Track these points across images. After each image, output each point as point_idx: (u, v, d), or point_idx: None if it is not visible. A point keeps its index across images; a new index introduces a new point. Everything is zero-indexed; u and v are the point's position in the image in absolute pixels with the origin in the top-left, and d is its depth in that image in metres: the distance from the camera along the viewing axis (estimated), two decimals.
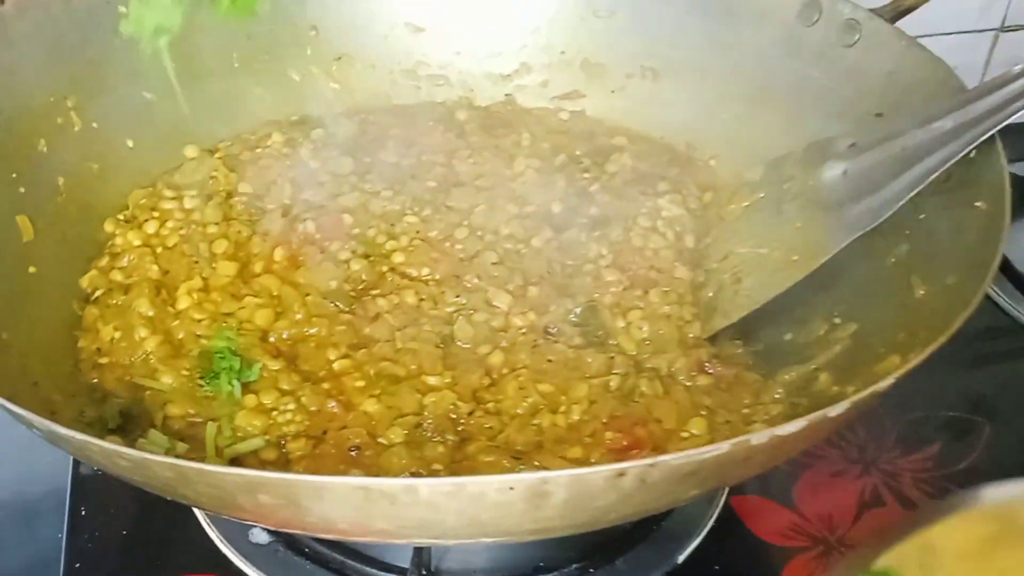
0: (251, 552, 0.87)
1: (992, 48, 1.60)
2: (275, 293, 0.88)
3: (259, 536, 0.87)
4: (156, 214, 0.96)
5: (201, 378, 0.79)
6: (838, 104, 1.02)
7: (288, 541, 0.88)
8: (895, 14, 1.00)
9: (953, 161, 0.80)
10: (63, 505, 0.94)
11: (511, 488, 0.50)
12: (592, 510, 0.55)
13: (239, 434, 0.75)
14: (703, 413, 0.81)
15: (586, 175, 1.08)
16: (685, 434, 0.78)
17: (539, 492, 0.51)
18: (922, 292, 0.79)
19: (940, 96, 0.91)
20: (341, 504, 0.52)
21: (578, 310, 0.90)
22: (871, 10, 1.00)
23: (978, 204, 0.80)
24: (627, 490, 0.53)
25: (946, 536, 0.78)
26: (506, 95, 1.23)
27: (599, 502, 0.54)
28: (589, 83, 1.22)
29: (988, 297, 0.90)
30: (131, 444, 0.74)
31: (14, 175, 0.88)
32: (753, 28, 1.10)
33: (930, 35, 1.45)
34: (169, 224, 0.95)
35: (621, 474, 0.51)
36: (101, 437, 0.71)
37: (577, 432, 0.77)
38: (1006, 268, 1.15)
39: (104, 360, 0.82)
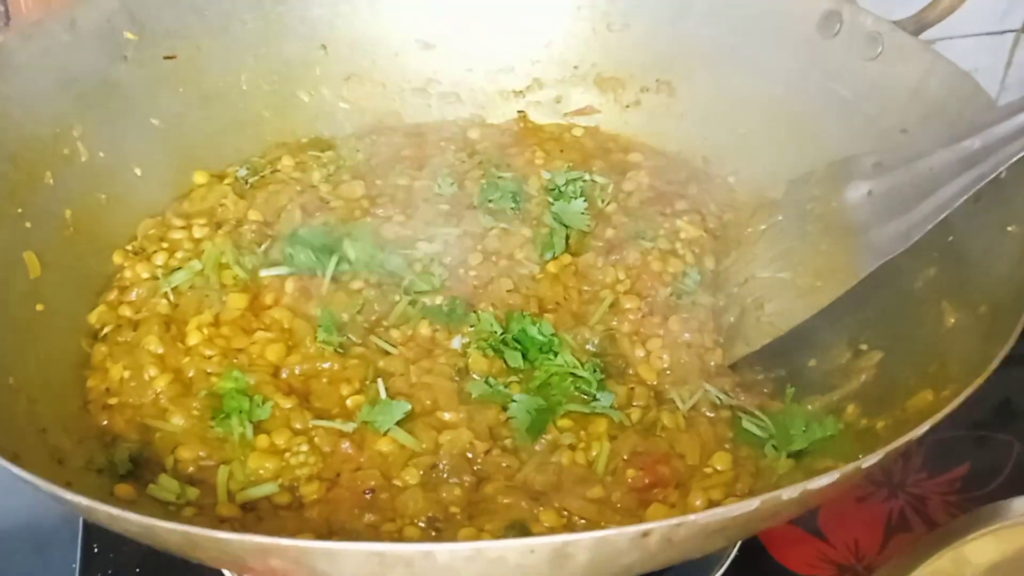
0: None
1: (1013, 49, 1.57)
2: (286, 326, 0.86)
3: None
4: (165, 244, 0.95)
5: (212, 419, 0.77)
6: (861, 120, 1.00)
7: None
8: (919, 27, 0.97)
9: (984, 182, 0.78)
10: (76, 535, 0.93)
11: (532, 551, 0.48)
12: (616, 567, 0.53)
13: (251, 477, 0.73)
14: (727, 447, 0.78)
15: (602, 194, 1.06)
16: (709, 470, 0.76)
17: (561, 554, 0.49)
18: (953, 321, 0.76)
19: (967, 112, 0.88)
20: (355, 569, 0.50)
21: (596, 340, 0.88)
22: (894, 22, 0.98)
23: (1010, 228, 0.77)
24: (652, 549, 0.51)
25: (979, 550, 0.76)
26: (519, 112, 1.21)
27: (623, 560, 0.52)
28: (603, 98, 1.20)
29: None
30: (142, 489, 0.72)
31: (20, 210, 0.86)
32: (772, 40, 1.07)
33: (951, 37, 1.43)
34: (178, 255, 0.93)
35: (646, 534, 0.49)
36: (112, 484, 0.71)
37: (597, 470, 0.75)
38: None
39: (113, 401, 0.80)
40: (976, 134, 0.80)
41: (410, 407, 0.76)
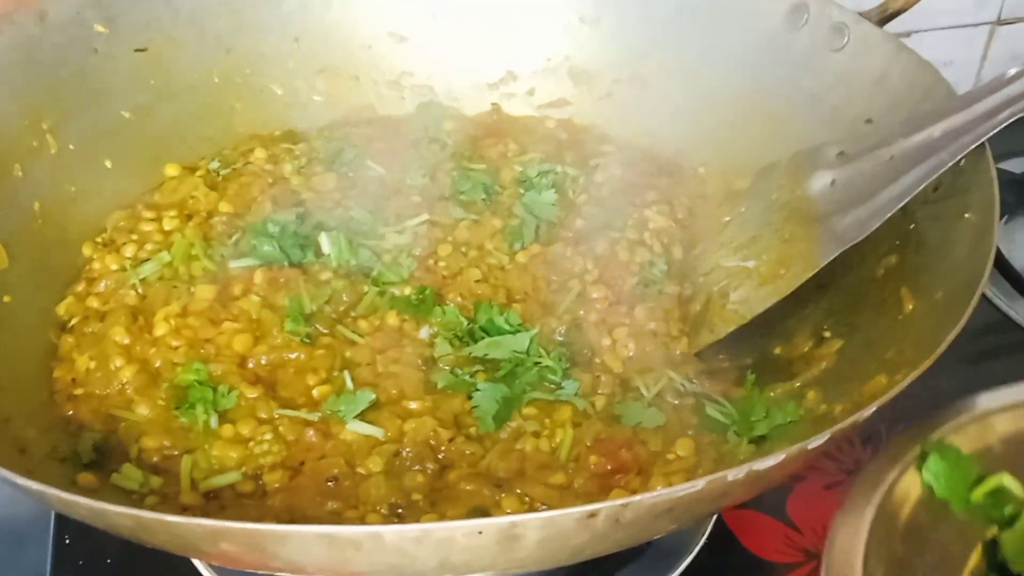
0: None
1: (988, 42, 1.58)
2: (254, 317, 0.86)
3: None
4: (135, 236, 0.95)
5: (176, 408, 0.77)
6: (827, 110, 1.01)
7: None
8: (883, 17, 0.98)
9: (942, 171, 0.79)
10: (48, 529, 0.93)
11: (480, 532, 0.49)
12: (567, 549, 0.54)
13: (215, 466, 0.74)
14: (690, 433, 0.79)
15: (574, 185, 1.06)
16: (671, 456, 0.77)
17: (510, 535, 0.50)
18: (911, 307, 0.77)
19: (929, 102, 0.89)
20: (305, 551, 0.50)
21: (563, 328, 0.88)
22: (859, 13, 0.99)
23: (968, 215, 0.78)
24: (600, 530, 0.51)
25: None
26: (492, 104, 1.21)
27: (573, 541, 0.53)
28: (576, 90, 1.20)
29: (984, 295, 0.88)
30: (105, 479, 0.72)
31: None
32: (739, 33, 1.08)
33: (926, 30, 1.44)
34: (148, 246, 0.93)
35: (593, 515, 0.50)
36: (75, 473, 0.71)
37: (560, 457, 0.76)
38: (1002, 267, 1.13)
39: (79, 391, 0.80)
40: (936, 123, 0.82)
41: (374, 397, 0.77)
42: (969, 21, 1.55)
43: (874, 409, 0.56)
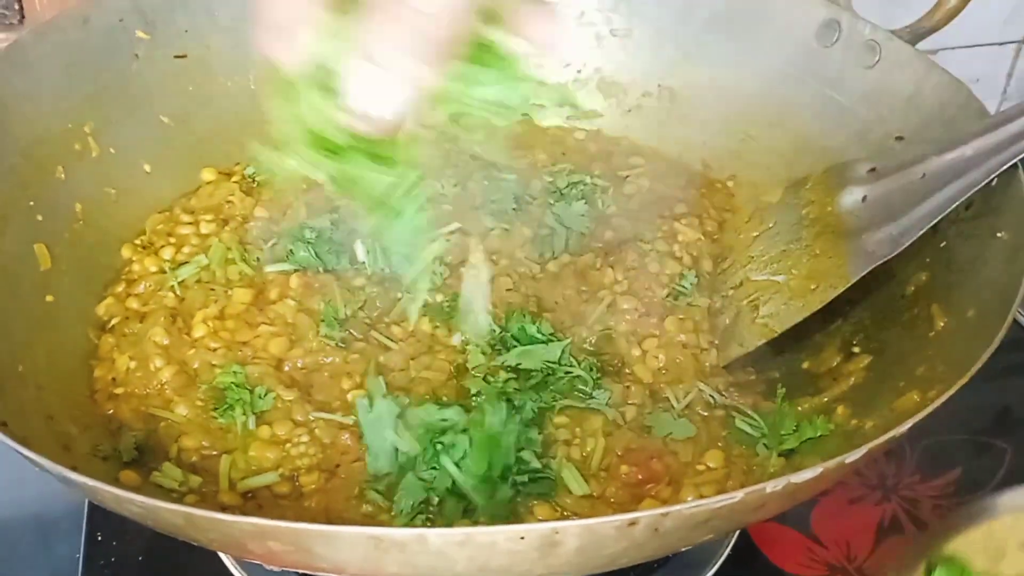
0: None
1: (1015, 60, 1.59)
2: (290, 321, 0.88)
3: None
4: (173, 239, 0.97)
5: (214, 409, 0.78)
6: (857, 126, 1.02)
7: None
8: (915, 36, 0.98)
9: (975, 190, 0.79)
10: (80, 525, 0.95)
11: (522, 538, 0.50)
12: (605, 556, 0.55)
13: (253, 467, 0.75)
14: (720, 445, 0.80)
15: (603, 197, 1.07)
16: (701, 467, 0.78)
17: (550, 541, 0.51)
18: (942, 324, 0.78)
19: (961, 120, 0.90)
20: (351, 552, 0.51)
21: (593, 339, 0.89)
22: (891, 31, 0.99)
23: (1000, 235, 0.78)
24: (639, 538, 0.52)
25: (1010, 527, 0.77)
26: (522, 114, 1.22)
27: (611, 549, 0.53)
28: (605, 102, 1.21)
29: None
30: (146, 477, 0.74)
31: (32, 203, 0.88)
32: (771, 48, 1.09)
33: (951, 48, 1.44)
34: (185, 249, 0.95)
35: (633, 523, 0.51)
36: (117, 471, 0.73)
37: (591, 466, 0.76)
38: None
39: (119, 391, 0.82)
40: (968, 142, 0.82)
41: (397, 409, 0.76)
42: (995, 40, 1.56)
43: (909, 426, 0.57)
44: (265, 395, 0.79)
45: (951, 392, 0.59)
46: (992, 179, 0.79)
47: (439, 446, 0.71)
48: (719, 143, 1.14)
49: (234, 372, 0.79)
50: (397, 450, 0.72)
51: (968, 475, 1.06)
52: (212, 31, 1.08)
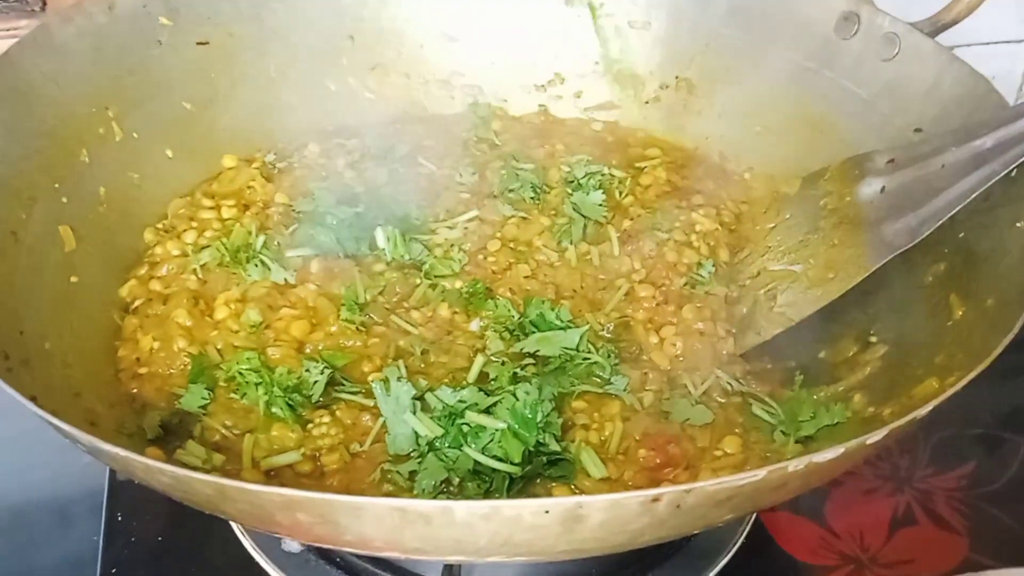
0: (283, 560, 0.88)
1: None
2: (311, 304, 0.88)
3: (291, 545, 0.88)
4: (194, 224, 0.97)
5: (234, 393, 0.79)
6: (876, 118, 1.02)
7: (320, 551, 0.89)
8: (935, 28, 0.99)
9: (993, 180, 0.79)
10: (99, 507, 0.96)
11: (547, 512, 0.50)
12: (626, 533, 0.55)
13: (275, 446, 0.76)
14: (737, 431, 0.80)
15: (620, 187, 1.08)
16: (719, 452, 0.78)
17: (574, 516, 0.51)
18: (960, 313, 0.78)
19: (980, 112, 0.90)
20: (377, 524, 0.52)
21: (611, 326, 0.90)
22: (911, 24, 1.00)
23: (1019, 224, 0.79)
24: (661, 515, 0.53)
25: None
26: (540, 105, 1.23)
27: (633, 526, 0.54)
28: (623, 94, 1.22)
29: None
30: (170, 455, 0.75)
31: (57, 185, 0.89)
32: (790, 40, 1.09)
33: (967, 44, 1.44)
34: (207, 234, 0.96)
35: (656, 499, 0.51)
36: (141, 448, 0.74)
37: (610, 449, 0.77)
38: None
39: (143, 370, 0.83)
40: (987, 134, 0.82)
41: (414, 392, 0.77)
42: (1012, 37, 1.56)
43: (930, 408, 0.57)
44: (288, 375, 0.80)
45: (971, 376, 0.59)
46: (1011, 169, 0.79)
47: (463, 429, 0.72)
48: (736, 135, 1.15)
49: (248, 359, 0.79)
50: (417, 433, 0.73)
51: (982, 469, 1.07)
52: (234, 19, 1.09)
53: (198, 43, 1.07)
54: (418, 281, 0.93)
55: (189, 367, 0.81)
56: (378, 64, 1.19)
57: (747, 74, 1.13)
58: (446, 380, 0.82)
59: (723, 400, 0.84)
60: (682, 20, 1.17)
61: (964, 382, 0.59)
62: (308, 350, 0.85)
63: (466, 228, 1.01)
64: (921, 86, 0.97)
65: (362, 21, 1.18)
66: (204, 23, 1.07)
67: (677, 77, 1.19)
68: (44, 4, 1.18)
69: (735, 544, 0.93)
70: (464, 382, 0.81)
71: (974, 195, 0.80)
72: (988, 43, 1.52)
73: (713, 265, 0.96)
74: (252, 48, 1.11)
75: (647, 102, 1.21)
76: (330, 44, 1.17)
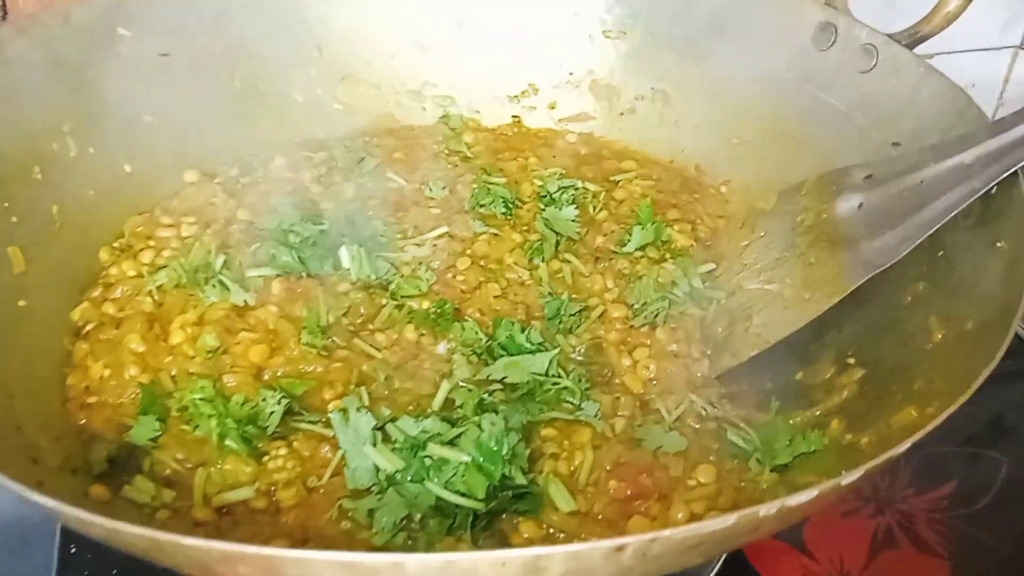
0: None
1: (1012, 65, 1.57)
2: (271, 327, 0.85)
3: None
4: (152, 242, 0.94)
5: (187, 423, 0.76)
6: (853, 131, 1.00)
7: None
8: (913, 40, 0.96)
9: (974, 198, 0.77)
10: (54, 535, 0.92)
11: (503, 565, 0.48)
12: None
13: (229, 481, 0.72)
14: (711, 459, 0.78)
15: (594, 201, 1.05)
16: (692, 482, 0.75)
17: (534, 568, 0.49)
18: (940, 336, 0.76)
19: (960, 126, 0.88)
20: None
21: (582, 348, 0.87)
22: (889, 35, 0.97)
23: (999, 244, 0.76)
24: (627, 564, 0.50)
25: None
26: (513, 117, 1.20)
27: (598, 575, 0.51)
28: (597, 105, 1.19)
29: None
30: (117, 491, 0.71)
31: (6, 204, 0.85)
32: (767, 51, 1.07)
33: (949, 52, 1.43)
34: (165, 253, 0.92)
35: (620, 549, 0.48)
36: (87, 485, 0.70)
37: (579, 481, 0.74)
38: None
39: (93, 399, 0.79)
40: (967, 149, 0.80)
41: (375, 422, 0.73)
42: (993, 44, 1.54)
43: (908, 446, 0.55)
44: (243, 405, 0.76)
45: (950, 411, 0.57)
46: (992, 187, 0.77)
47: (426, 462, 0.69)
48: (713, 148, 1.12)
49: (201, 388, 0.76)
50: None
51: (964, 487, 1.04)
52: (197, 29, 1.06)
53: (159, 54, 1.03)
54: (384, 301, 0.90)
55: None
56: (347, 75, 1.16)
57: (723, 86, 1.11)
58: (410, 407, 0.79)
59: (697, 426, 0.81)
60: (657, 30, 1.14)
61: (943, 417, 0.56)
62: (267, 376, 0.81)
63: (435, 245, 0.98)
64: (899, 99, 0.95)
65: (330, 31, 1.14)
66: (165, 34, 1.03)
67: (652, 88, 1.16)
68: (5, 13, 1.14)
69: (713, 570, 0.91)
70: (430, 409, 0.78)
71: (954, 212, 0.78)
72: (968, 51, 1.51)
73: (688, 284, 0.93)
74: (216, 59, 1.07)
75: (622, 113, 1.18)
76: (297, 55, 1.13)
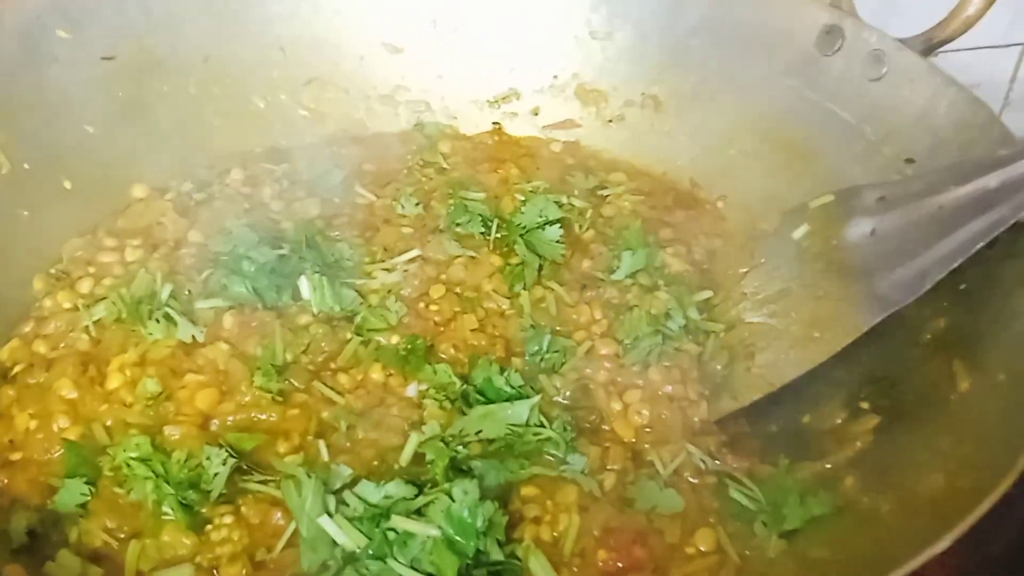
0: None
1: (1018, 63, 1.50)
2: (221, 367, 0.77)
3: None
4: (92, 269, 0.85)
5: (120, 486, 0.67)
6: (862, 145, 0.92)
7: None
8: (928, 46, 0.88)
9: (1002, 229, 0.69)
10: None
11: None
12: None
13: (166, 555, 0.64)
14: (711, 521, 0.70)
15: (580, 219, 0.97)
16: (691, 550, 0.67)
17: None
18: (966, 386, 0.68)
19: (981, 144, 0.80)
20: None
21: (568, 391, 0.79)
22: (900, 40, 0.89)
23: None
24: None
25: None
26: (493, 123, 1.12)
27: None
28: (584, 111, 1.11)
29: None
30: (38, 567, 0.63)
31: None
32: (766, 54, 0.99)
33: (954, 50, 1.35)
34: (106, 281, 0.83)
35: None
36: (3, 562, 0.62)
37: (564, 551, 0.66)
38: None
39: (16, 456, 0.71)
40: (992, 171, 0.73)
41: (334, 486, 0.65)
42: (999, 42, 1.47)
43: (948, 544, 0.47)
44: (184, 463, 0.68)
45: (993, 498, 0.49)
46: (1022, 215, 0.69)
47: (389, 535, 0.60)
48: (708, 159, 1.04)
49: (136, 445, 0.67)
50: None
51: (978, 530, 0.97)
52: (146, 29, 0.97)
53: (103, 58, 0.95)
54: (348, 336, 0.82)
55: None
56: (313, 78, 1.08)
57: (720, 92, 1.03)
58: (375, 462, 0.71)
59: (695, 480, 0.73)
60: (648, 30, 1.06)
61: (986, 506, 0.48)
62: (214, 426, 0.73)
63: (406, 270, 0.89)
64: (912, 111, 0.88)
65: (294, 30, 1.06)
66: (110, 35, 0.95)
67: (643, 93, 1.08)
68: None
69: None
70: (397, 465, 0.70)
71: (980, 244, 0.70)
72: (973, 48, 1.43)
73: (683, 316, 0.85)
74: (167, 62, 0.99)
75: (611, 120, 1.10)
76: (258, 56, 1.05)
